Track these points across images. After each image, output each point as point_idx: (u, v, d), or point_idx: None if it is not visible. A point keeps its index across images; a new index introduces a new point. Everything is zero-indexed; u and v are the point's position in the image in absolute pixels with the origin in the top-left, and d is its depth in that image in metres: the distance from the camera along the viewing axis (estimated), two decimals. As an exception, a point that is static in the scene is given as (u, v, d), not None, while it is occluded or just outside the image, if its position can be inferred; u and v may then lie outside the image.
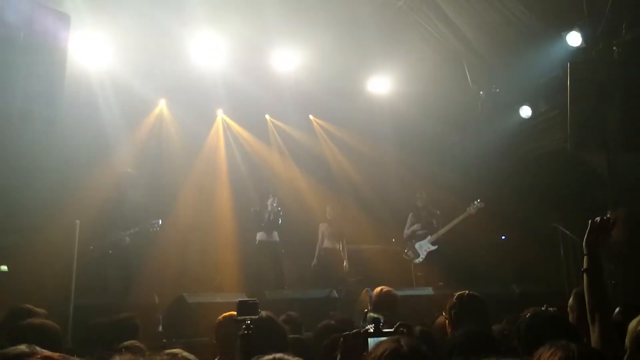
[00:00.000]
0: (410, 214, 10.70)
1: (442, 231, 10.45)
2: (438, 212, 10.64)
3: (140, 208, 8.73)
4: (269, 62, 10.36)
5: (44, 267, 7.60)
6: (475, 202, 10.33)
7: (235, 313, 3.45)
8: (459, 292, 4.28)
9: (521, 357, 3.14)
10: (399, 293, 6.69)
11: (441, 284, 9.16)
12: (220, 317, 4.30)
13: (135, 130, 10.44)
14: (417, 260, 10.43)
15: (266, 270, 10.04)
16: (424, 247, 10.46)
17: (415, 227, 10.58)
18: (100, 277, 8.36)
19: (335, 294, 8.93)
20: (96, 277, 8.32)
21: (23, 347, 2.19)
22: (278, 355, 2.19)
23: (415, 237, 10.54)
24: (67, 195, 8.54)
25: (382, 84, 11.28)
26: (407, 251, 10.56)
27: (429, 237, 10.47)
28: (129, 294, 8.17)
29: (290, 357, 2.18)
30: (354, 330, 2.68)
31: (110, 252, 8.42)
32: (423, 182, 11.09)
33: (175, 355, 3.06)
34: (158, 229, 8.50)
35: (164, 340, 7.07)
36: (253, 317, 3.24)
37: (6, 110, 7.22)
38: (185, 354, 3.25)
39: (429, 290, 8.98)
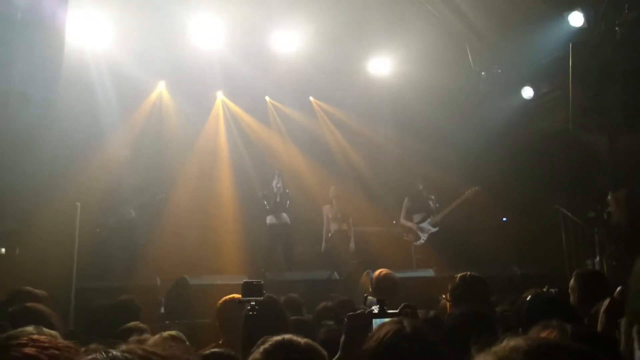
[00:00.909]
0: (406, 199, 10.67)
1: (442, 213, 10.45)
2: (433, 197, 10.64)
3: (139, 189, 8.73)
4: (268, 43, 10.30)
5: (46, 251, 7.59)
6: (473, 187, 10.39)
7: (237, 295, 3.44)
8: (460, 274, 4.27)
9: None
10: (400, 275, 6.69)
11: (435, 268, 9.16)
12: (223, 299, 4.30)
13: (135, 113, 10.40)
14: (417, 242, 10.43)
15: (276, 253, 10.06)
16: (425, 229, 10.45)
17: (413, 210, 10.57)
18: (106, 257, 8.39)
19: (336, 275, 8.95)
20: (102, 258, 8.36)
21: (30, 328, 2.18)
22: (287, 336, 2.18)
23: (415, 219, 10.53)
24: (67, 178, 8.52)
25: (382, 66, 11.22)
26: (407, 234, 10.56)
27: (429, 219, 10.46)
28: (132, 275, 8.20)
29: (299, 339, 2.18)
30: (358, 311, 2.67)
31: (116, 227, 8.42)
32: (423, 163, 11.07)
33: (173, 337, 3.07)
34: (164, 196, 8.50)
35: (167, 322, 7.09)
36: (258, 298, 3.23)
37: (4, 91, 7.17)
38: (179, 334, 3.26)
39: (430, 272, 8.99)
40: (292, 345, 2.14)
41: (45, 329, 2.31)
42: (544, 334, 2.21)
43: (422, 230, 10.46)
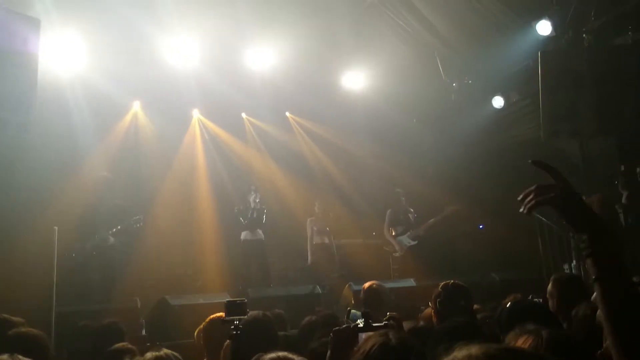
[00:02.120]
0: (389, 210, 10.79)
1: (421, 228, 10.67)
2: (412, 210, 10.79)
3: (118, 211, 8.66)
4: (243, 60, 10.34)
5: (24, 276, 7.52)
6: (451, 206, 10.67)
7: (221, 315, 3.44)
8: (443, 282, 4.33)
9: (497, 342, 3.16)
10: (384, 285, 6.73)
11: (415, 277, 9.23)
12: (209, 318, 4.30)
13: (110, 134, 10.34)
14: (396, 254, 10.52)
15: (252, 269, 10.03)
16: (404, 242, 10.56)
17: (395, 222, 10.69)
18: (84, 281, 8.30)
19: (318, 289, 8.96)
20: (79, 282, 8.26)
21: (5, 357, 2.18)
22: (282, 353, 2.20)
23: (396, 231, 10.65)
24: (44, 201, 8.45)
25: (356, 79, 11.31)
26: (387, 245, 10.66)
27: (409, 233, 10.59)
28: (112, 297, 8.12)
29: (294, 357, 2.19)
30: (344, 325, 2.70)
31: (94, 253, 8.33)
32: (400, 174, 11.17)
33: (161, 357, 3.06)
34: (141, 224, 8.46)
35: (148, 344, 7.04)
36: (242, 317, 3.24)
37: (-22, 117, 7.11)
38: (169, 351, 3.25)
39: (410, 282, 9.06)
40: None
41: (20, 357, 2.30)
42: (520, 340, 2.23)
43: (401, 242, 10.56)
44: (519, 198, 1.83)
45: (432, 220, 10.67)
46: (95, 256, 8.32)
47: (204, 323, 4.32)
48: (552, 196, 1.81)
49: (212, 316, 4.27)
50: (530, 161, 1.87)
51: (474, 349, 1.20)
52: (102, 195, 8.66)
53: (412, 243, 10.56)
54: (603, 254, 1.68)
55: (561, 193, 1.80)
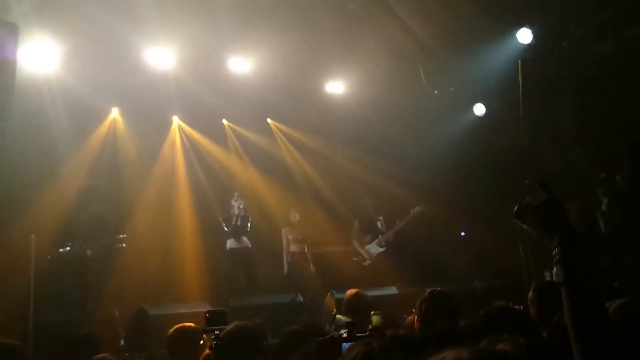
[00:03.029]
0: (356, 221, 10.86)
1: (388, 234, 10.73)
2: (381, 218, 10.82)
3: (99, 219, 8.54)
4: (223, 66, 10.26)
5: (1, 284, 7.38)
6: (416, 207, 10.72)
7: (189, 324, 3.39)
8: (430, 289, 4.29)
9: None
10: (367, 294, 6.70)
11: (395, 287, 9.24)
12: (174, 328, 4.22)
13: (89, 140, 10.19)
14: (365, 263, 10.55)
15: (238, 278, 9.96)
16: (372, 250, 10.59)
17: (363, 231, 10.73)
18: (59, 290, 8.17)
19: (300, 298, 8.91)
20: (54, 290, 8.14)
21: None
22: None
23: (365, 241, 10.68)
24: (21, 209, 8.33)
25: (338, 86, 11.30)
26: (357, 255, 10.68)
27: (377, 240, 10.63)
28: (88, 309, 8.01)
29: None
30: (328, 336, 2.66)
31: (71, 262, 8.19)
32: (382, 181, 11.18)
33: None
34: (124, 245, 8.35)
35: (127, 355, 6.95)
36: (223, 327, 3.19)
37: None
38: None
39: (393, 290, 9.05)
40: None
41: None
42: (499, 346, 2.24)
43: (369, 251, 10.58)
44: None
45: (399, 224, 10.72)
46: (72, 265, 8.19)
47: (170, 330, 4.24)
48: (536, 205, 1.84)
49: (177, 326, 4.20)
50: (527, 181, 1.90)
51: (465, 352, 1.20)
52: (83, 202, 8.52)
53: (380, 250, 10.62)
54: (572, 260, 1.72)
55: (545, 201, 1.84)
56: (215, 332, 3.16)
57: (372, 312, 5.38)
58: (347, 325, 2.65)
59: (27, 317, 6.96)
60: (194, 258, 9.93)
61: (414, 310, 4.39)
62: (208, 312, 3.28)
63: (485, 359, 1.18)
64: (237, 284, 9.94)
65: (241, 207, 9.99)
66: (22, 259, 7.39)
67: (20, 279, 7.28)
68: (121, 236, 8.34)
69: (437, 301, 4.15)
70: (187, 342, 3.86)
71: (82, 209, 8.51)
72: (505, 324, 3.54)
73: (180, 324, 4.30)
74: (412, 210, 10.70)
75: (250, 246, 10.06)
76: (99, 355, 3.79)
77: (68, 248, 8.13)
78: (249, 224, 10.02)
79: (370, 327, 5.11)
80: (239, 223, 9.90)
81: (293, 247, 10.46)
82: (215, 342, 3.13)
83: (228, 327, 3.22)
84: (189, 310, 7.61)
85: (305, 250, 10.51)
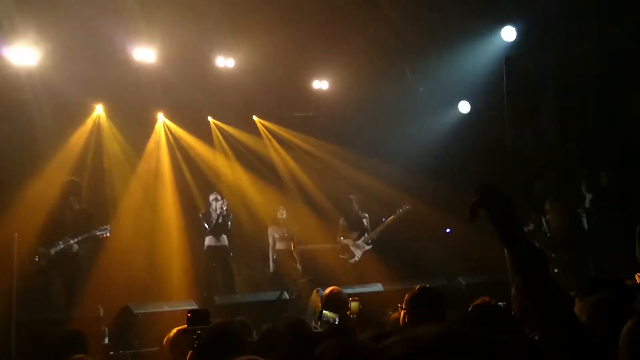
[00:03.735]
0: (341, 218, 10.86)
1: (375, 231, 10.72)
2: (367, 215, 10.84)
3: (85, 216, 8.47)
4: (209, 63, 10.22)
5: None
6: (403, 206, 10.71)
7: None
8: (419, 285, 4.29)
9: None
10: (349, 291, 6.74)
11: (380, 284, 9.26)
12: (174, 331, 4.21)
13: (72, 137, 10.10)
14: (352, 260, 10.56)
15: (216, 276, 9.93)
16: (360, 246, 10.60)
17: (349, 228, 10.73)
18: (46, 287, 8.11)
19: (286, 295, 8.91)
20: (41, 287, 8.08)
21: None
22: (253, 357, 2.17)
23: (351, 239, 10.68)
24: (3, 207, 8.26)
25: (323, 83, 11.30)
26: (343, 252, 10.68)
27: (363, 237, 10.63)
28: (74, 306, 7.96)
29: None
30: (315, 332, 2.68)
31: (57, 260, 8.12)
32: (368, 178, 11.19)
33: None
34: (108, 234, 8.29)
35: (111, 353, 6.92)
36: (204, 326, 3.18)
37: None
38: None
39: (378, 287, 9.07)
40: None
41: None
42: None
43: (357, 247, 10.60)
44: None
45: (385, 222, 10.74)
46: (57, 262, 8.12)
47: (170, 334, 4.23)
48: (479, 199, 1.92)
49: (178, 328, 4.18)
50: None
51: (438, 327, 1.23)
52: (69, 199, 8.43)
53: (367, 248, 10.62)
54: (528, 273, 1.78)
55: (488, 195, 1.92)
56: (197, 331, 3.15)
57: (350, 298, 5.42)
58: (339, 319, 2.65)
59: (9, 316, 6.91)
60: (178, 256, 9.89)
61: (399, 306, 4.40)
62: (190, 311, 3.27)
63: (455, 333, 1.19)
64: (219, 282, 9.92)
65: (224, 207, 9.94)
66: (5, 257, 7.33)
67: (2, 277, 7.22)
68: (105, 226, 8.29)
69: (426, 297, 4.15)
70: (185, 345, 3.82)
71: (70, 206, 8.40)
72: (487, 321, 3.56)
73: (179, 327, 4.27)
74: (398, 210, 10.71)
75: (227, 244, 10.03)
76: (76, 356, 3.76)
77: (57, 246, 8.05)
78: (230, 223, 9.98)
79: (348, 312, 5.15)
80: (219, 221, 9.86)
81: (279, 245, 10.46)
82: (197, 342, 3.12)
83: (209, 326, 3.22)
84: (173, 309, 7.60)
85: (292, 248, 10.50)
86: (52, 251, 8.04)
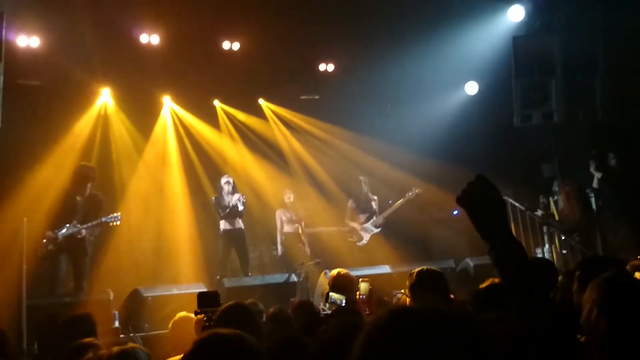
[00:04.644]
0: (350, 200, 10.82)
1: (384, 214, 10.67)
2: (375, 198, 10.81)
3: (95, 201, 8.49)
4: (215, 46, 10.18)
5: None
6: (413, 189, 10.64)
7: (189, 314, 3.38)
8: (417, 269, 4.29)
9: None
10: (357, 273, 6.74)
11: (388, 266, 9.26)
12: (177, 316, 4.23)
13: (79, 122, 10.11)
14: (360, 243, 10.56)
15: (231, 259, 9.96)
16: (369, 229, 10.58)
17: (357, 211, 10.71)
18: (53, 271, 8.16)
19: (294, 277, 8.94)
20: (49, 271, 8.14)
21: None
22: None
23: (359, 221, 10.67)
24: (12, 193, 8.30)
25: (330, 65, 11.23)
26: (351, 235, 10.67)
27: (372, 220, 10.61)
28: (82, 290, 8.02)
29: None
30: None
31: (65, 244, 8.16)
32: (375, 160, 11.17)
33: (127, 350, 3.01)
34: (118, 222, 8.30)
35: (122, 336, 6.97)
36: (215, 308, 3.19)
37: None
38: (136, 345, 3.20)
39: (386, 269, 9.08)
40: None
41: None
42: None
43: (365, 230, 10.58)
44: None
45: (394, 205, 10.71)
46: (66, 247, 8.17)
47: (176, 317, 4.26)
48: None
49: (181, 314, 4.21)
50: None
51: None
52: (80, 184, 8.45)
53: (376, 231, 10.59)
54: (505, 267, 1.89)
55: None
56: (209, 313, 3.17)
57: (360, 280, 5.43)
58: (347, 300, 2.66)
59: (20, 300, 6.97)
60: (187, 239, 9.92)
61: (403, 290, 4.41)
62: (199, 293, 3.28)
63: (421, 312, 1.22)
64: (231, 265, 9.95)
65: (232, 189, 9.93)
66: (14, 243, 7.38)
67: (13, 262, 7.28)
68: (116, 215, 8.31)
69: (426, 280, 4.16)
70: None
71: (81, 191, 8.42)
72: (496, 301, 3.56)
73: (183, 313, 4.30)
74: (408, 194, 10.67)
75: (243, 227, 10.04)
76: (84, 340, 3.78)
77: (65, 230, 8.08)
78: (242, 207, 9.97)
79: (358, 294, 5.17)
80: (231, 204, 9.86)
81: (287, 228, 10.46)
82: (207, 324, 3.13)
83: (222, 307, 3.23)
84: (183, 292, 7.65)
85: (300, 231, 10.51)
86: (60, 235, 8.07)
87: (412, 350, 1.14)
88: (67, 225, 8.10)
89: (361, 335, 1.21)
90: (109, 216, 8.27)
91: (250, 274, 9.82)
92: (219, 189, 10.03)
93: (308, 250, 10.34)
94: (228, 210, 9.85)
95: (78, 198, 8.37)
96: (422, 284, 4.15)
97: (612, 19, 9.14)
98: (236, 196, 9.87)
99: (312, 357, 2.30)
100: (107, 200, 8.87)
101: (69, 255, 8.25)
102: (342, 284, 5.69)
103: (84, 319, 4.99)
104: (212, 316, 3.17)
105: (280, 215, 10.50)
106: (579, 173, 9.79)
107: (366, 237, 10.56)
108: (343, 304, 4.87)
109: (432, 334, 1.15)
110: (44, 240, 8.03)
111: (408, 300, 4.28)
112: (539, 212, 9.47)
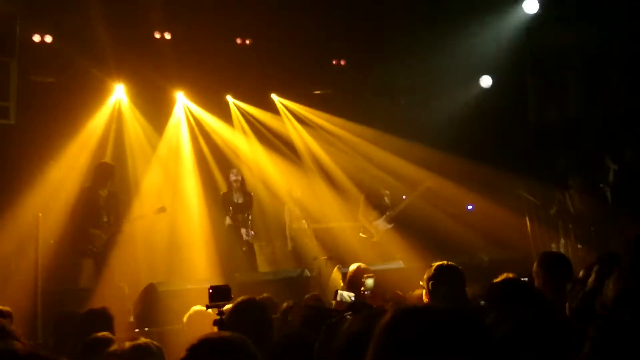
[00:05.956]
0: (363, 196, 10.80)
1: (396, 210, 10.64)
2: (388, 192, 10.77)
3: (113, 197, 8.57)
4: (227, 41, 10.19)
5: (9, 264, 7.45)
6: (424, 183, 10.65)
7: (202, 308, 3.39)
8: (437, 263, 4.28)
9: None
10: (371, 268, 6.71)
11: (401, 261, 9.24)
12: (192, 310, 4.25)
13: (93, 118, 10.16)
14: (373, 239, 10.53)
15: (238, 254, 9.96)
16: (380, 226, 10.55)
17: (370, 207, 10.68)
18: (70, 266, 8.25)
19: (307, 272, 8.93)
20: (66, 267, 8.23)
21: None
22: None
23: (371, 217, 10.64)
24: (28, 188, 8.37)
25: (342, 59, 11.21)
26: (364, 231, 10.65)
27: (384, 216, 10.58)
28: (99, 284, 8.08)
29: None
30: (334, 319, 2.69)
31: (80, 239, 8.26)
32: (389, 155, 11.14)
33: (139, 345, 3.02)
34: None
35: (136, 330, 7.01)
36: (226, 302, 3.20)
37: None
38: (149, 340, 3.21)
39: (399, 264, 9.06)
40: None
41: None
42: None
43: (378, 226, 10.55)
44: None
45: (405, 200, 10.67)
46: (80, 242, 8.24)
47: (191, 311, 4.28)
48: None
49: (196, 307, 4.22)
50: None
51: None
52: (99, 182, 8.56)
53: (388, 226, 10.54)
54: None
55: None
56: (220, 307, 3.17)
57: (365, 275, 5.40)
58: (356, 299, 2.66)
59: (35, 295, 7.03)
60: (201, 234, 9.94)
61: (421, 283, 4.39)
62: (211, 287, 3.29)
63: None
64: (240, 260, 9.96)
65: (240, 184, 9.93)
66: (30, 238, 7.45)
67: (28, 258, 7.34)
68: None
69: (444, 274, 4.14)
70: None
71: (100, 188, 8.52)
72: (510, 296, 3.55)
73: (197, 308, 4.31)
74: (419, 187, 10.63)
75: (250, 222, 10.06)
76: (98, 334, 3.81)
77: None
78: (251, 201, 9.98)
79: (362, 289, 5.15)
80: (240, 201, 9.87)
81: (295, 224, 10.47)
82: (219, 317, 3.14)
83: (235, 302, 3.24)
84: (197, 286, 7.66)
85: (306, 226, 10.50)
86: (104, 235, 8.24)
87: (418, 348, 1.15)
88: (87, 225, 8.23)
89: (373, 334, 1.24)
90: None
91: (258, 269, 9.83)
92: (227, 185, 10.05)
93: (316, 246, 10.32)
94: (236, 205, 9.86)
95: (101, 194, 8.47)
96: (440, 277, 4.15)
97: (628, 10, 9.03)
98: (245, 191, 9.89)
99: (336, 351, 2.29)
100: (121, 195, 8.94)
101: (84, 251, 8.35)
102: (359, 280, 5.68)
103: (100, 313, 5.02)
104: (224, 310, 3.19)
105: (288, 211, 10.51)
106: (595, 167, 9.70)
107: (379, 233, 10.53)
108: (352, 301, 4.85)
109: (439, 334, 1.17)
110: (51, 241, 8.11)
111: (424, 292, 4.27)
112: (554, 209, 9.41)
